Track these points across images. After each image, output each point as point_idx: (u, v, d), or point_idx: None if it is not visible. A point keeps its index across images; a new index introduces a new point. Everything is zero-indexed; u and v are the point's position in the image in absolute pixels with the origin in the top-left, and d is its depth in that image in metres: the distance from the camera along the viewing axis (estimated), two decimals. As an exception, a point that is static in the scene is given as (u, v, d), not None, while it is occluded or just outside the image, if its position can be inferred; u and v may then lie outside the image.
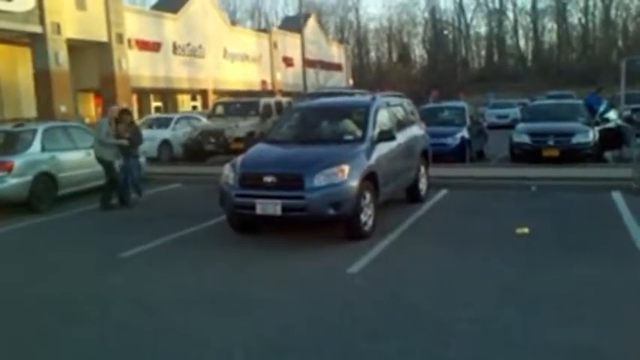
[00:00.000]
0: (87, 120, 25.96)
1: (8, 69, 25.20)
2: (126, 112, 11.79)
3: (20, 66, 25.16)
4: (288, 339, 4.88)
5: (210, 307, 5.67)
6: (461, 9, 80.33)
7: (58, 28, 23.43)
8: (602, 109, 15.74)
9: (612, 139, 14.74)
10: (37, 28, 22.79)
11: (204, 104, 34.93)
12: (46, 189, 11.14)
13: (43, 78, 23.32)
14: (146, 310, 5.69)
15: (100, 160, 11.13)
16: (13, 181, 10.59)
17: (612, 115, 15.53)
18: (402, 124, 9.95)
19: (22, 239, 9.13)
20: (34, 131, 11.52)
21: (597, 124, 15.04)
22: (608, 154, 15.09)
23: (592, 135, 14.33)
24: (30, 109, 23.98)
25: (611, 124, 15.02)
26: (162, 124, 20.89)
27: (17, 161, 10.72)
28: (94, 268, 7.27)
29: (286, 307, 5.59)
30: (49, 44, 23.16)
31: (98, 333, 5.15)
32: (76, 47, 24.94)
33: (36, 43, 23.28)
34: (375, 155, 8.32)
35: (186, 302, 5.84)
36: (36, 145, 11.26)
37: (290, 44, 44.20)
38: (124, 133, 11.14)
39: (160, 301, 5.92)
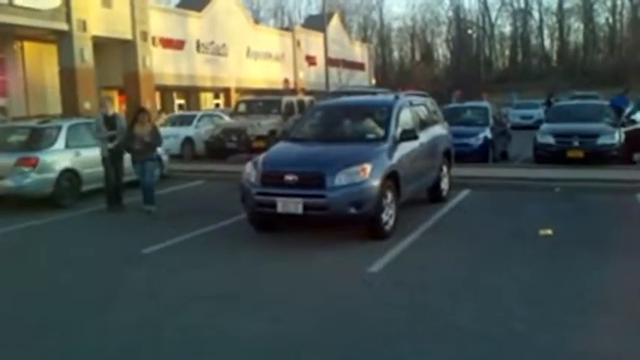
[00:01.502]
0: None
1: (34, 66, 25.49)
2: (143, 111, 10.97)
3: (46, 63, 25.44)
4: (304, 337, 4.87)
5: (228, 305, 5.69)
6: (485, 8, 79.81)
7: (83, 26, 23.64)
8: (629, 110, 15.51)
9: (637, 140, 14.50)
10: (63, 26, 23.02)
11: (227, 102, 35.05)
12: (69, 185, 11.27)
13: (68, 75, 23.56)
14: (165, 306, 5.72)
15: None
16: (37, 176, 10.72)
17: (639, 116, 15.29)
18: (424, 124, 9.89)
19: (46, 235, 9.23)
20: (59, 127, 11.64)
21: (624, 125, 14.82)
22: (637, 156, 14.82)
23: (617, 136, 14.12)
24: (55, 106, 24.23)
25: (638, 126, 14.79)
26: (185, 121, 21.01)
27: (42, 157, 10.86)
28: (117, 263, 7.34)
29: (304, 306, 5.58)
30: (74, 41, 23.38)
31: (118, 327, 5.20)
32: (101, 45, 25.16)
33: (62, 40, 23.52)
34: (397, 155, 8.27)
35: (205, 299, 5.86)
36: (60, 142, 11.38)
37: (313, 43, 44.18)
38: (144, 136, 10.39)
39: (179, 297, 5.95)
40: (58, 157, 11.16)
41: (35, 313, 5.69)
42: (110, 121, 10.79)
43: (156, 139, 10.69)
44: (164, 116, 25.76)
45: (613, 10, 74.71)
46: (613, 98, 18.00)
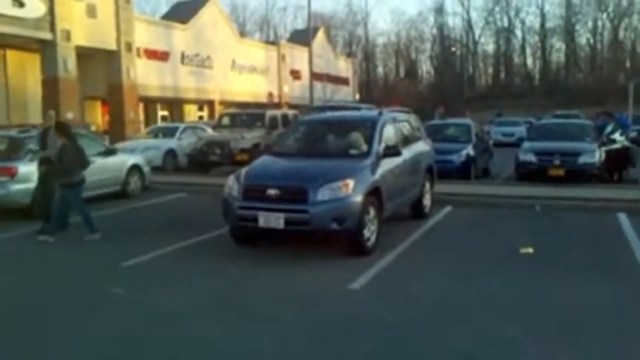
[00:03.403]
0: (93, 127, 26.05)
1: (17, 75, 25.31)
2: (57, 126, 9.50)
3: (29, 72, 25.26)
4: (283, 354, 4.82)
5: (207, 321, 5.62)
6: (469, 26, 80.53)
7: (67, 35, 23.53)
8: (608, 129, 15.70)
9: (618, 159, 14.68)
10: (47, 35, 22.89)
11: (211, 115, 34.95)
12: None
13: (51, 84, 23.40)
14: (143, 321, 5.64)
15: None
16: (15, 187, 10.57)
17: (618, 136, 15.48)
18: (407, 140, 9.92)
19: (25, 246, 9.07)
20: (40, 137, 11.51)
21: (604, 144, 15.00)
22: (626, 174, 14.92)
23: (598, 155, 14.27)
24: (37, 115, 23.98)
25: (617, 145, 14.96)
26: (168, 133, 20.94)
27: (21, 167, 10.70)
28: (96, 276, 7.23)
29: (285, 323, 5.53)
30: (58, 51, 23.25)
31: (93, 343, 5.10)
32: (85, 55, 25.03)
33: (45, 49, 23.38)
34: (380, 170, 8.28)
35: (184, 315, 5.78)
36: (41, 152, 11.24)
37: (298, 57, 44.29)
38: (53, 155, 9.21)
39: (157, 313, 5.87)
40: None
41: (11, 327, 5.58)
42: (44, 136, 10.05)
43: (63, 158, 9.01)
44: (143, 129, 25.68)
45: (594, 31, 75.83)
46: (598, 123, 18.10)
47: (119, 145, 17.84)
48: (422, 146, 10.58)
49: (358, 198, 7.54)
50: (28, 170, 10.79)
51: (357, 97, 56.36)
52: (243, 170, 8.41)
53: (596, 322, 5.44)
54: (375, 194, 7.98)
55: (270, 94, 39.21)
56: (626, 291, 6.35)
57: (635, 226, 9.46)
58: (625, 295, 6.23)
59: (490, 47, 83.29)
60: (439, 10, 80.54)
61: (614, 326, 5.32)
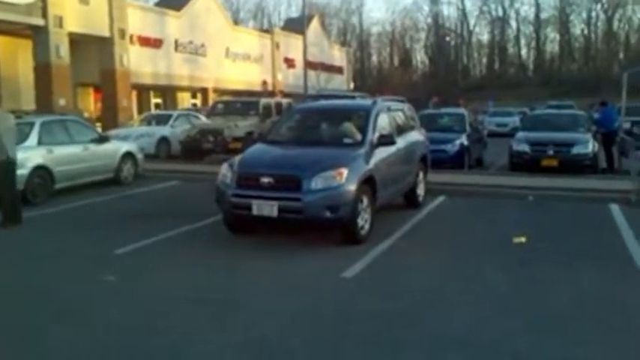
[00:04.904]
0: (86, 114, 25.93)
1: (9, 61, 25.12)
2: None
3: (21, 58, 25.09)
4: (277, 343, 4.82)
5: (201, 309, 5.60)
6: (464, 16, 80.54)
7: (60, 22, 23.38)
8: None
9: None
10: (39, 21, 22.73)
11: (205, 102, 34.84)
12: (42, 182, 11.08)
13: (43, 71, 23.27)
14: (137, 309, 5.63)
15: None
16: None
17: None
18: (402, 129, 9.90)
19: (15, 233, 9.03)
20: (32, 124, 11.46)
21: (595, 134, 15.12)
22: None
23: (592, 146, 14.32)
24: (29, 102, 23.89)
25: None
26: (162, 120, 20.85)
27: (13, 154, 10.63)
28: (88, 264, 7.20)
29: (278, 311, 5.52)
30: (50, 37, 23.10)
31: (89, 331, 5.09)
32: (77, 41, 24.89)
33: (38, 35, 23.22)
34: (374, 159, 8.26)
35: (177, 303, 5.77)
36: (33, 138, 11.20)
37: (292, 45, 44.16)
38: None
39: (151, 300, 5.86)
40: (30, 154, 10.94)
41: (3, 317, 5.56)
42: None
43: None
44: (136, 117, 25.56)
45: (588, 22, 75.94)
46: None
47: (112, 132, 17.78)
48: (416, 135, 10.57)
49: (352, 187, 7.53)
50: (21, 157, 10.72)
51: (352, 85, 56.28)
52: (237, 158, 8.38)
53: (587, 309, 5.46)
54: (368, 183, 7.97)
55: (265, 82, 39.07)
56: (616, 278, 6.38)
57: (627, 216, 9.50)
58: (615, 282, 6.25)
59: (484, 37, 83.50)
60: (434, 0, 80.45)
61: (604, 312, 5.34)
